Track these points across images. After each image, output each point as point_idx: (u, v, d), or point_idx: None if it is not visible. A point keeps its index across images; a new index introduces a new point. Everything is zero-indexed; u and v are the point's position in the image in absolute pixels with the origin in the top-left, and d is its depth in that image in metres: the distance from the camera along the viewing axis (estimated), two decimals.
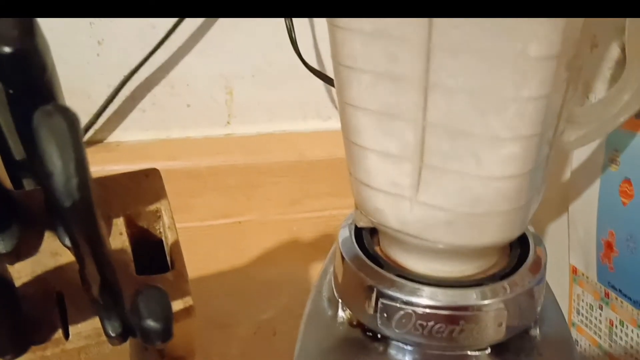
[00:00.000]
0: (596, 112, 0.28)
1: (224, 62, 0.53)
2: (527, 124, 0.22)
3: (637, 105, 0.27)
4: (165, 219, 0.26)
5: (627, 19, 0.27)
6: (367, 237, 0.29)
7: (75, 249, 0.20)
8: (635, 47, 0.26)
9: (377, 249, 0.29)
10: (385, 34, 0.22)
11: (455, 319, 0.24)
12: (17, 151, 0.22)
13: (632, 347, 0.33)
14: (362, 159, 0.25)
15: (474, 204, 0.23)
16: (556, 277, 0.40)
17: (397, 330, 0.25)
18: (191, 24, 0.50)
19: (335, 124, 0.57)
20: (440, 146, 0.23)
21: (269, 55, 0.53)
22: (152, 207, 0.26)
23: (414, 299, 0.25)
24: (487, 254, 0.27)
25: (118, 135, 0.54)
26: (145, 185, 0.26)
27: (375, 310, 0.26)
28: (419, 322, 0.25)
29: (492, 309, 0.25)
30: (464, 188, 0.23)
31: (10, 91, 0.16)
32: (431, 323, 0.25)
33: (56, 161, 0.14)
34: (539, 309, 0.27)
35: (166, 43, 0.50)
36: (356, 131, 0.25)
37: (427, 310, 0.24)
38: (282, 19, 0.50)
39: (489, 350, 0.25)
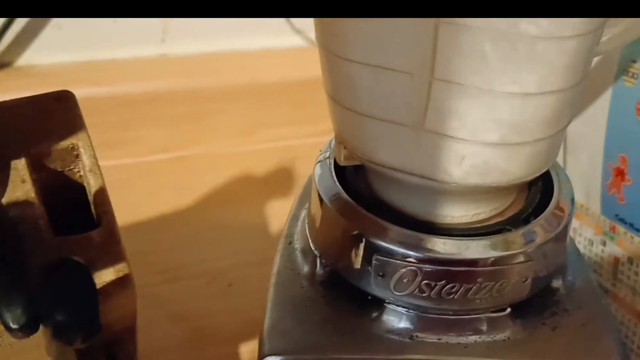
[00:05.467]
0: None
1: None
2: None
3: None
4: (85, 158, 0.19)
5: None
6: (351, 174, 0.23)
7: None
8: None
9: (364, 188, 0.23)
10: None
11: (472, 277, 0.19)
12: None
13: None
14: (350, 77, 0.19)
15: (500, 132, 0.18)
16: None
17: (396, 293, 0.20)
18: None
19: (289, 41, 0.50)
20: (456, 51, 0.17)
21: None
22: (66, 143, 0.19)
23: (418, 254, 0.19)
24: (506, 192, 0.21)
25: (30, 58, 0.45)
26: (56, 113, 0.19)
27: (367, 267, 0.20)
28: (426, 281, 0.19)
29: (517, 261, 0.19)
30: (487, 110, 0.17)
31: None
32: (442, 283, 0.19)
33: None
34: (567, 257, 0.22)
35: None
36: (341, 39, 0.19)
37: (437, 267, 0.19)
38: None
39: (508, 311, 0.21)
